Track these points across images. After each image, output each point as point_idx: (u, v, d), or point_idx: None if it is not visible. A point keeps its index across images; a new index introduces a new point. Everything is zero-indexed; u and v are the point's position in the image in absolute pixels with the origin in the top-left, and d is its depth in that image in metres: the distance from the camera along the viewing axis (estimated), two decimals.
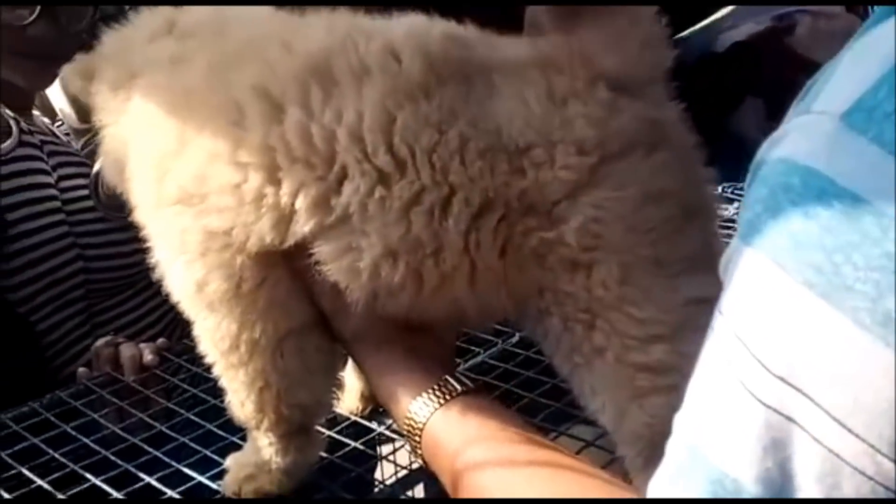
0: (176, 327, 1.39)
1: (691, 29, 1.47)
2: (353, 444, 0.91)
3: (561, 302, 0.67)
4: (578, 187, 0.65)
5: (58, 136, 1.41)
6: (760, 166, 0.41)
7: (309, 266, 0.69)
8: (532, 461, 0.63)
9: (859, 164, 0.37)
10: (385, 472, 1.05)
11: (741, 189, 1.41)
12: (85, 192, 1.32)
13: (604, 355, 0.66)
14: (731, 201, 1.39)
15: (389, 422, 0.94)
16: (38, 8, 1.22)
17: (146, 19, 0.82)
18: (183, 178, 0.71)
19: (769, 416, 0.38)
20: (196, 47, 0.74)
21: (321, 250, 0.68)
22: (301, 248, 0.69)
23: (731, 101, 1.50)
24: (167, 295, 1.32)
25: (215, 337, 0.76)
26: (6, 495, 0.84)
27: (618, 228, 0.65)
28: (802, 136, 0.39)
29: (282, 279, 0.73)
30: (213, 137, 0.69)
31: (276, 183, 0.67)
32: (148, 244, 0.79)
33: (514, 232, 0.66)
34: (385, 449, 1.02)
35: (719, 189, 1.41)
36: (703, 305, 0.63)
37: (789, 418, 0.37)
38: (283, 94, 0.67)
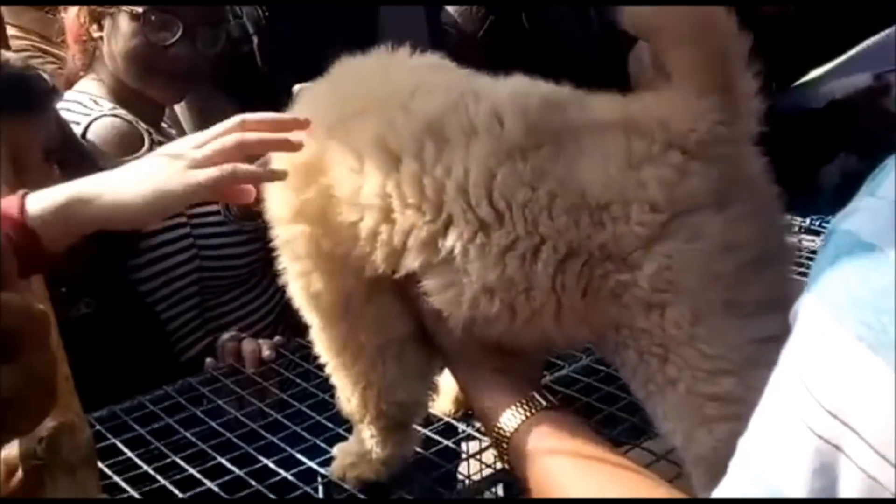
0: (278, 324, 1.52)
1: (797, 82, 1.53)
2: (444, 441, 1.01)
3: (636, 337, 0.74)
4: (651, 240, 0.72)
5: None
6: (833, 233, 0.49)
7: (417, 294, 0.79)
8: (596, 458, 0.72)
9: None
10: (471, 469, 1.14)
11: (828, 221, 1.45)
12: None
13: (676, 386, 0.73)
14: (817, 234, 1.43)
15: (478, 424, 1.04)
16: (180, 31, 1.37)
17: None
18: (308, 209, 0.81)
19: (819, 444, 0.45)
20: (330, 98, 0.85)
21: (427, 283, 0.78)
22: (410, 278, 0.79)
23: (824, 155, 1.55)
24: (271, 295, 1.47)
25: (327, 342, 0.87)
26: (145, 466, 0.97)
27: (690, 275, 0.72)
28: (867, 215, 0.47)
29: (385, 301, 0.83)
30: (336, 180, 0.79)
31: (391, 223, 0.77)
32: (266, 249, 0.91)
33: (594, 275, 0.74)
34: (472, 448, 1.11)
35: (808, 221, 1.46)
36: (770, 343, 0.69)
37: (837, 447, 0.45)
38: (400, 147, 0.77)
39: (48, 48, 1.61)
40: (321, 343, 0.89)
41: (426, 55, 0.89)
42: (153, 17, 1.37)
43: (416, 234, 0.76)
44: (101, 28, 1.42)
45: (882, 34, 1.48)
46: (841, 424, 0.45)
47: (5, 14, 1.64)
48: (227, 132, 0.86)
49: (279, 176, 0.83)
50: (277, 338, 1.24)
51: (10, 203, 0.82)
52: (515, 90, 0.79)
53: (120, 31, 1.39)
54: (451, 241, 0.75)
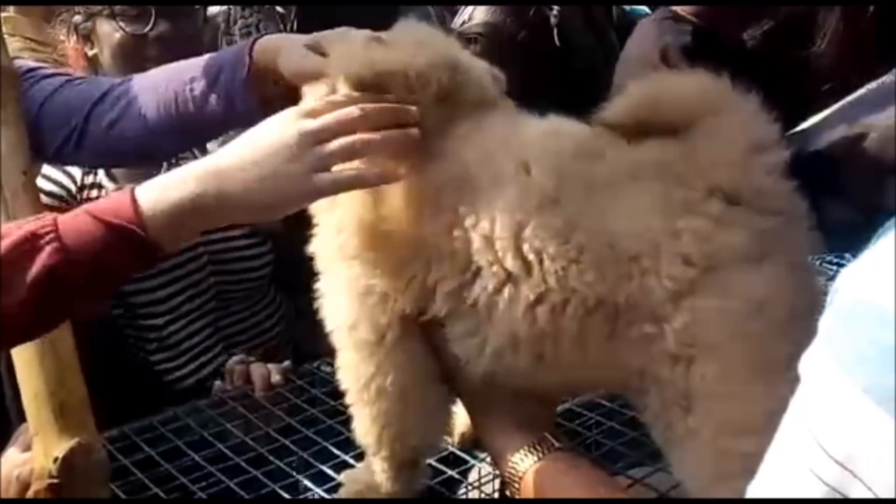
0: (282, 342, 1.54)
1: (794, 130, 1.56)
2: (448, 471, 1.03)
3: (660, 386, 0.73)
4: (681, 294, 0.70)
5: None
6: (838, 290, 0.50)
7: (440, 337, 0.80)
8: (608, 499, 0.75)
9: None
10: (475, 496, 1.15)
11: (830, 262, 1.47)
12: None
13: (697, 437, 0.72)
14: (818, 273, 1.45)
15: (482, 455, 1.06)
16: (153, 15, 1.40)
17: None
18: (366, 242, 0.81)
19: (827, 492, 0.47)
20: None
21: (451, 330, 0.79)
22: (434, 322, 0.80)
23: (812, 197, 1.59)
24: (277, 307, 1.48)
25: (353, 374, 0.87)
26: (155, 488, 0.98)
27: (719, 331, 0.71)
28: (872, 272, 0.49)
29: (415, 342, 0.83)
30: (397, 223, 0.80)
31: (427, 269, 0.78)
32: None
33: (620, 324, 0.73)
34: (474, 478, 1.13)
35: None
36: None
37: (844, 496, 0.47)
38: (442, 196, 0.77)
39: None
40: (347, 375, 0.88)
41: None
42: (123, 9, 1.41)
43: (447, 283, 0.77)
44: (92, 45, 1.46)
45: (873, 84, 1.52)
46: (849, 474, 0.47)
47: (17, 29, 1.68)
48: (343, 104, 0.81)
49: (399, 175, 0.80)
50: (286, 363, 1.26)
51: (121, 200, 0.79)
52: (544, 135, 0.79)
53: (103, 35, 1.44)
54: (477, 292, 0.76)
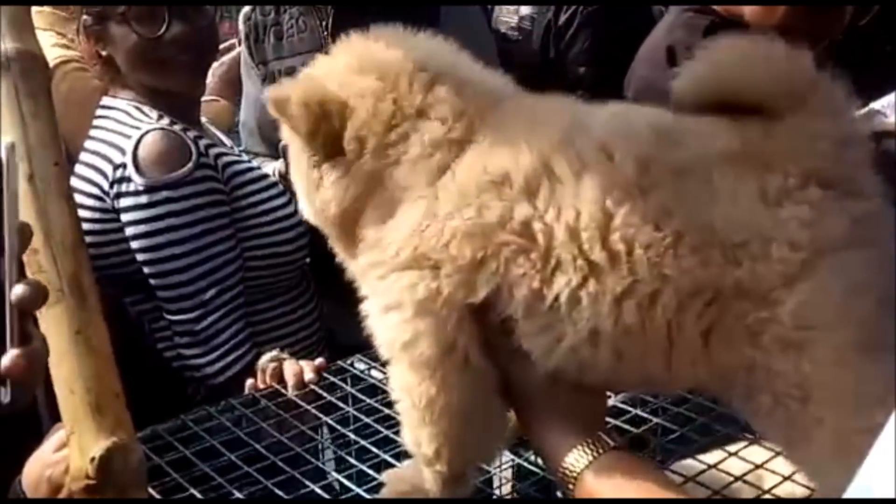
0: (322, 340, 1.54)
1: None
2: (491, 471, 1.00)
3: (772, 379, 0.72)
4: (793, 277, 0.71)
5: (227, 144, 1.57)
6: None
7: (505, 333, 0.77)
8: (667, 499, 0.72)
9: None
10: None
11: None
12: (252, 199, 1.45)
13: (822, 425, 0.72)
14: None
15: (526, 454, 1.03)
16: (166, 15, 1.37)
17: None
18: (428, 245, 0.76)
19: None
20: (464, 132, 0.80)
21: (525, 325, 0.75)
22: (502, 320, 0.76)
23: None
24: (314, 309, 1.46)
25: (413, 393, 0.81)
26: (193, 490, 0.95)
27: (829, 313, 0.70)
28: None
29: (484, 345, 0.79)
30: (461, 217, 0.76)
31: (505, 267, 0.74)
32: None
33: (724, 315, 0.71)
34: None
35: None
36: None
37: None
38: (518, 187, 0.74)
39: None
40: (403, 391, 0.83)
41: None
42: (136, 13, 1.38)
43: (525, 283, 0.74)
44: (104, 46, 1.43)
45: None
46: None
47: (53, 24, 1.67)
48: None
49: None
50: (319, 360, 1.23)
51: None
52: (616, 120, 0.77)
53: (118, 38, 1.40)
54: (558, 287, 0.73)
